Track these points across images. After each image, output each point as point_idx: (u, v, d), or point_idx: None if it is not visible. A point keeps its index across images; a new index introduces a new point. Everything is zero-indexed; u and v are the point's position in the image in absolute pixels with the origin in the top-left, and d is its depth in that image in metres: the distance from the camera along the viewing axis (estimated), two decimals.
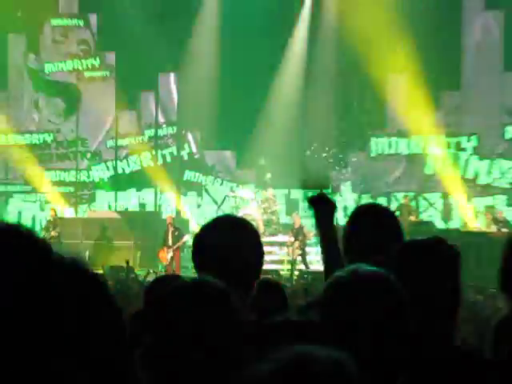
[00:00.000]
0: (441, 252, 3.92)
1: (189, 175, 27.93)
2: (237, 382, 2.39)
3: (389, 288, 3.06)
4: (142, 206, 27.83)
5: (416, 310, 3.32)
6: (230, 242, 4.02)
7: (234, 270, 3.94)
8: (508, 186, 26.72)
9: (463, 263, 3.99)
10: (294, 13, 27.82)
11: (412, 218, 24.45)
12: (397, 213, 23.73)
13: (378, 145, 27.50)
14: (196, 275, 3.92)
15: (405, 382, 2.98)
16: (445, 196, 26.99)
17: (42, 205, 27.94)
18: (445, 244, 3.97)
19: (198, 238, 4.12)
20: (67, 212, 27.01)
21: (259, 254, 4.12)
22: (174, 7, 25.96)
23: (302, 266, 22.43)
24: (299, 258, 22.81)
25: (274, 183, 25.57)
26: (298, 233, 22.94)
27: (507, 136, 26.78)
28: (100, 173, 28.21)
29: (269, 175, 25.44)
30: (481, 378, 3.66)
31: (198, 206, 27.64)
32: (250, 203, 25.27)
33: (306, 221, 22.67)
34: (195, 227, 25.43)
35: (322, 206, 4.81)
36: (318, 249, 17.09)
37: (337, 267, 3.95)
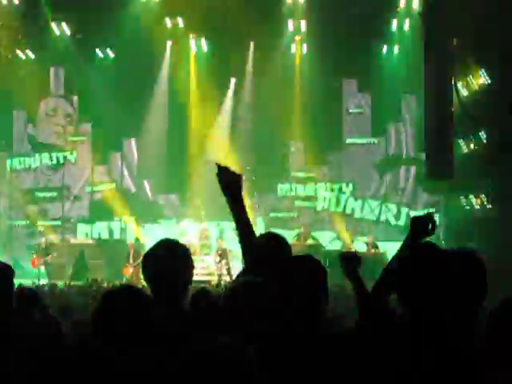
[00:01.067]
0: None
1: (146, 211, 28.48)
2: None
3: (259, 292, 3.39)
4: (111, 234, 28.61)
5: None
6: (167, 263, 4.27)
7: (170, 283, 4.24)
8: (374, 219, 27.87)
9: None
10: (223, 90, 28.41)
11: (308, 242, 25.09)
12: (295, 238, 26.31)
13: (283, 189, 28.60)
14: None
15: None
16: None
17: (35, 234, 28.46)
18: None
19: (145, 258, 4.42)
20: (55, 239, 27.35)
21: (187, 266, 4.37)
22: (135, 89, 26.75)
23: (227, 278, 22.82)
24: (225, 272, 23.67)
25: (207, 217, 26.45)
26: (223, 253, 24.04)
27: (373, 184, 28.17)
28: (80, 210, 29.18)
29: (203, 212, 26.53)
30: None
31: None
32: (188, 232, 26.22)
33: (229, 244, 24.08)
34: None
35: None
36: (240, 264, 19.36)
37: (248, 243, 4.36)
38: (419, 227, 4.34)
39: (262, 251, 4.57)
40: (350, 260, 4.50)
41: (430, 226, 4.34)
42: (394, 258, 4.35)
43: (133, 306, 3.47)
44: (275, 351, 3.37)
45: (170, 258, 4.32)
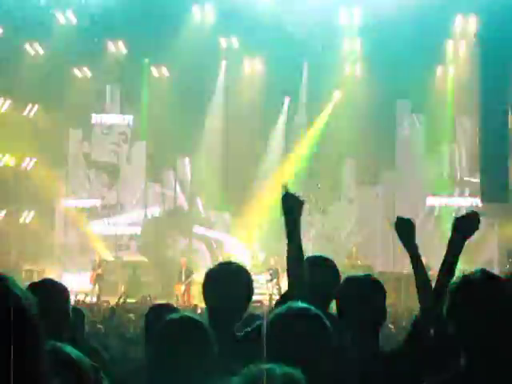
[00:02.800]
0: None
1: (197, 229, 28.86)
2: None
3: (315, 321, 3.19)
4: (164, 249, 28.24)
5: None
6: (227, 290, 4.24)
7: (230, 307, 4.24)
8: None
9: None
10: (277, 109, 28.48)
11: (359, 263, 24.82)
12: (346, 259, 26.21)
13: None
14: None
15: None
16: None
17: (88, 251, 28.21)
18: None
19: (207, 281, 4.38)
20: (108, 256, 27.60)
21: (248, 295, 4.38)
22: (190, 107, 26.89)
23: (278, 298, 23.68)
24: (275, 291, 23.46)
25: (258, 237, 26.76)
26: (274, 272, 24.13)
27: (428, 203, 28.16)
28: (133, 227, 29.12)
29: (255, 231, 26.92)
30: None
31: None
32: (240, 251, 26.54)
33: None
34: (202, 268, 26.18)
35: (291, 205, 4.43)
36: None
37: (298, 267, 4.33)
38: (463, 225, 4.29)
39: (315, 276, 4.52)
40: (404, 225, 4.45)
41: (474, 222, 4.30)
42: (443, 264, 4.24)
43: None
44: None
45: (233, 285, 4.33)
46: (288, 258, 4.43)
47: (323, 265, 5.06)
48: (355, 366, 3.80)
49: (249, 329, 4.44)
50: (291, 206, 4.42)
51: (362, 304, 4.11)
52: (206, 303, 4.41)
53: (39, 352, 1.79)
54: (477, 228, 4.31)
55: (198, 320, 3.55)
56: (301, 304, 3.32)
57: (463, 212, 4.45)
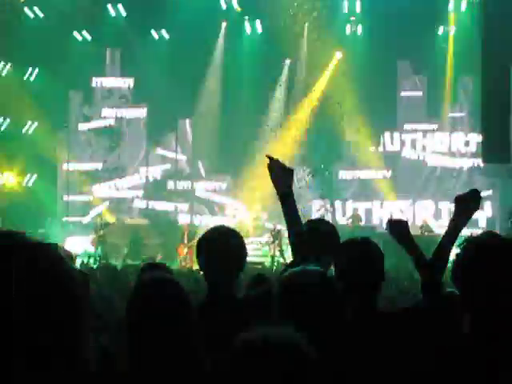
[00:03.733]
0: None
1: (200, 192, 29.12)
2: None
3: (322, 283, 3.22)
4: (166, 214, 28.59)
5: None
6: (220, 252, 4.26)
7: (223, 270, 4.27)
8: None
9: None
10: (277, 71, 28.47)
11: (361, 224, 25.47)
12: (349, 219, 26.46)
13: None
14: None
15: None
16: None
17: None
18: None
19: (199, 245, 4.43)
20: (111, 219, 27.68)
21: (243, 255, 4.40)
22: (190, 70, 26.64)
23: (281, 259, 23.16)
24: (278, 253, 23.67)
25: (260, 199, 26.21)
26: (276, 234, 23.88)
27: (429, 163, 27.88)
28: (135, 190, 29.35)
29: (257, 193, 26.31)
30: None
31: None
32: (243, 213, 26.69)
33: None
34: (203, 230, 27.32)
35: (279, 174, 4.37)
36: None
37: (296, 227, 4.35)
38: (464, 204, 4.29)
39: (313, 238, 4.61)
40: (397, 224, 4.41)
41: (475, 202, 4.30)
42: (445, 237, 4.28)
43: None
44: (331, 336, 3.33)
45: (224, 247, 4.34)
46: (289, 231, 4.45)
47: (323, 228, 5.06)
48: (355, 327, 3.84)
49: (252, 293, 4.61)
50: (278, 175, 4.42)
51: (361, 266, 4.09)
52: (200, 267, 4.47)
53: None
54: (477, 207, 4.30)
55: (172, 279, 3.49)
56: (312, 267, 3.34)
57: (464, 191, 4.38)
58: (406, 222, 4.46)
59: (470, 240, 3.42)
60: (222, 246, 4.36)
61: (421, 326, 4.03)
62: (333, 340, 3.21)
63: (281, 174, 4.42)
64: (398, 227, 4.41)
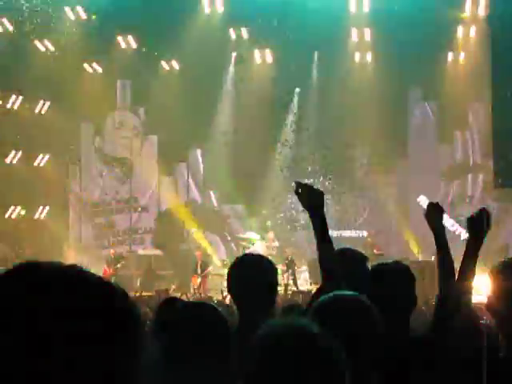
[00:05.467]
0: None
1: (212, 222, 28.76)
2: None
3: (364, 310, 3.11)
4: (179, 245, 28.02)
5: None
6: (255, 277, 4.20)
7: (259, 296, 4.20)
8: None
9: None
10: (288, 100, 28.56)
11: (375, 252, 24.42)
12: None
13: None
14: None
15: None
16: None
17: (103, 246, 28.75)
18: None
19: (232, 267, 4.35)
20: (123, 251, 27.80)
21: (275, 283, 4.36)
22: (201, 100, 26.88)
23: (294, 288, 23.11)
24: (291, 282, 23.65)
25: (272, 227, 26.73)
26: (290, 263, 23.96)
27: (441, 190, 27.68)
28: (148, 221, 29.46)
29: (269, 222, 27.09)
30: None
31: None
32: (256, 243, 26.01)
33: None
34: (216, 260, 26.74)
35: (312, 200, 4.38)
36: (306, 274, 19.47)
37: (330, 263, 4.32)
38: (476, 225, 4.28)
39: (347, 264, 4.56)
40: (435, 209, 4.46)
41: (486, 221, 4.27)
42: (465, 259, 4.26)
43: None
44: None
45: (261, 274, 4.34)
46: (320, 253, 4.40)
47: (354, 256, 5.07)
48: (393, 352, 3.76)
49: None
50: (310, 199, 4.41)
51: (394, 291, 4.12)
52: (230, 291, 4.45)
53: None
54: (489, 226, 4.28)
55: (213, 305, 3.56)
56: (349, 292, 3.27)
57: (474, 211, 4.37)
58: (442, 209, 4.49)
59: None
60: (257, 272, 4.33)
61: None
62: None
63: (312, 198, 4.40)
64: (433, 211, 4.46)
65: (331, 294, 3.23)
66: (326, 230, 4.40)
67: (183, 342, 3.33)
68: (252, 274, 4.31)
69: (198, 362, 3.26)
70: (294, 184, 4.45)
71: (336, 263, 4.36)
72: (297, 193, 4.41)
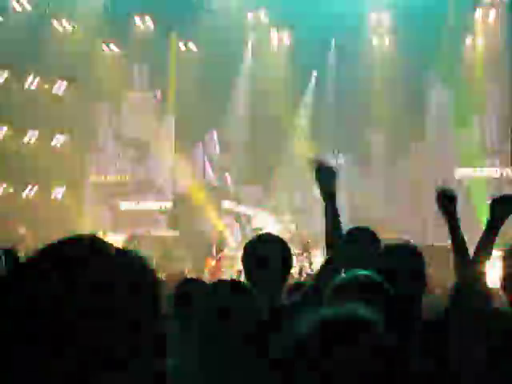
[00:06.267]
0: None
1: (226, 204, 28.83)
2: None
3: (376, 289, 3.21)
4: (194, 226, 27.92)
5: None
6: (270, 252, 4.27)
7: (275, 274, 4.27)
8: None
9: None
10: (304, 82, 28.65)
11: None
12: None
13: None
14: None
15: None
16: None
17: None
18: None
19: (249, 245, 4.44)
20: (139, 231, 27.41)
21: (290, 263, 4.43)
22: (218, 81, 26.91)
23: (308, 270, 22.84)
24: (306, 264, 23.52)
25: (289, 208, 27.00)
26: (306, 245, 23.93)
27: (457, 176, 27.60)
28: (164, 203, 29.32)
29: (285, 205, 27.06)
30: None
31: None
32: (271, 224, 25.78)
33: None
34: (232, 243, 26.72)
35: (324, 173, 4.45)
36: (321, 258, 19.37)
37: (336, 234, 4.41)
38: (500, 207, 4.33)
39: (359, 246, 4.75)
40: (448, 196, 4.45)
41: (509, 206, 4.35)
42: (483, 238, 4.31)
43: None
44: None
45: (275, 249, 4.43)
46: (327, 230, 4.54)
47: (364, 234, 5.14)
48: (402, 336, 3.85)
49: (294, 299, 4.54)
50: (326, 180, 4.52)
51: (405, 272, 4.15)
52: (245, 268, 4.50)
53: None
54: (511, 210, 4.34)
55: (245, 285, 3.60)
56: (364, 272, 3.33)
57: (499, 194, 4.45)
58: (454, 193, 4.50)
59: None
60: (271, 247, 4.41)
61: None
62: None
63: (325, 174, 4.52)
64: (444, 196, 4.45)
65: (345, 274, 3.34)
66: (336, 209, 4.49)
67: None
68: (267, 248, 4.40)
69: None
70: (313, 159, 4.60)
71: (339, 247, 4.45)
72: (315, 169, 4.52)
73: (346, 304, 1.95)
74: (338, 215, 4.52)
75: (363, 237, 5.15)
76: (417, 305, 4.19)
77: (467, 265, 4.25)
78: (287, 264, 4.53)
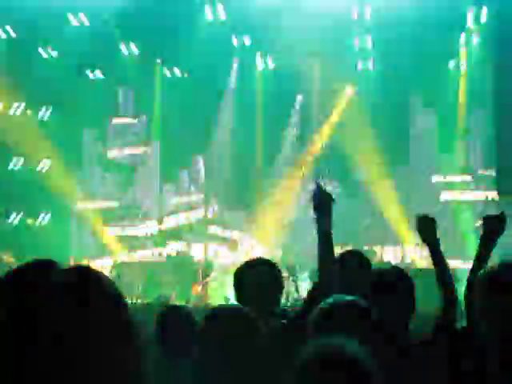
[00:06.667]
0: None
1: (213, 228, 28.65)
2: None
3: (361, 314, 3.22)
4: (180, 252, 27.64)
5: None
6: (264, 279, 4.43)
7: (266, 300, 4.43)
8: None
9: None
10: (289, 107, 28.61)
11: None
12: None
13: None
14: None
15: None
16: None
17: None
18: None
19: (239, 275, 4.59)
20: (123, 257, 27.65)
21: (282, 286, 4.62)
22: (202, 106, 26.91)
23: (295, 295, 22.43)
24: (293, 289, 22.54)
25: (274, 233, 26.76)
26: (291, 270, 22.60)
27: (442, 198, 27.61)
28: (150, 229, 29.17)
29: (270, 228, 26.82)
30: None
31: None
32: (257, 249, 26.23)
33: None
34: (217, 268, 25.93)
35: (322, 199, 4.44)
36: (307, 281, 19.39)
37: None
38: (491, 226, 4.45)
39: (347, 269, 4.81)
40: (424, 221, 4.55)
41: (501, 225, 4.47)
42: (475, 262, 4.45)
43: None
44: None
45: (270, 274, 4.61)
46: (320, 256, 4.53)
47: (356, 259, 5.08)
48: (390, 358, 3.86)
49: (284, 321, 4.54)
50: (322, 200, 4.49)
51: (393, 296, 4.20)
52: (238, 293, 4.63)
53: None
54: (503, 227, 4.50)
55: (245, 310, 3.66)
56: (347, 297, 3.39)
57: (490, 213, 4.64)
58: (434, 220, 4.54)
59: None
60: (261, 278, 4.57)
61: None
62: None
63: (324, 199, 4.50)
64: (425, 223, 4.53)
65: (331, 299, 3.35)
66: (329, 230, 4.49)
67: None
68: (262, 276, 4.52)
69: None
70: (313, 183, 4.47)
71: (331, 272, 4.46)
72: (313, 192, 4.50)
73: (333, 337, 2.03)
74: (331, 239, 4.48)
75: (355, 261, 5.23)
76: (404, 329, 4.26)
77: (450, 287, 4.37)
78: (279, 286, 4.72)
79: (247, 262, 4.77)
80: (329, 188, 4.57)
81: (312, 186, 4.68)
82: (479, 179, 27.83)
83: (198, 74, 27.03)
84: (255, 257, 4.93)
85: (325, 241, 4.49)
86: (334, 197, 4.56)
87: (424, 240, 4.49)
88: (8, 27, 26.75)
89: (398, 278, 4.41)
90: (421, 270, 21.58)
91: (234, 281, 4.65)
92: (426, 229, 4.46)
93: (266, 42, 26.98)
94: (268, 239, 26.84)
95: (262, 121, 28.00)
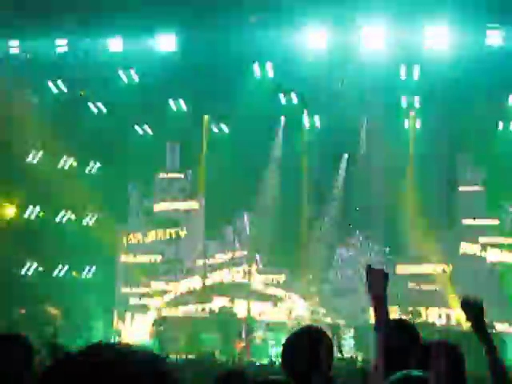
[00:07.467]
0: None
1: (257, 286, 28.58)
2: None
3: None
4: (224, 308, 27.50)
5: None
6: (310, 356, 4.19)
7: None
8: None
9: None
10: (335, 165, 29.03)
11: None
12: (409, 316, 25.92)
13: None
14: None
15: None
16: None
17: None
18: None
19: (289, 344, 4.40)
20: (168, 312, 27.63)
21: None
22: (249, 163, 27.08)
23: (338, 355, 21.50)
24: (336, 348, 22.01)
25: (317, 292, 27.00)
26: (335, 329, 23.01)
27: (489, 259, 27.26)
28: (193, 284, 29.20)
29: (313, 288, 27.09)
30: None
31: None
32: (300, 307, 26.37)
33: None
34: (262, 325, 25.89)
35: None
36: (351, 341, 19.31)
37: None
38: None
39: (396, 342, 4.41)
40: (473, 306, 4.32)
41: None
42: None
43: None
44: None
45: (313, 355, 4.31)
46: (376, 332, 4.20)
47: (402, 329, 4.94)
48: None
49: None
50: (376, 283, 4.26)
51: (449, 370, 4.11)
52: (286, 368, 4.40)
53: None
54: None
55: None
56: (417, 372, 3.31)
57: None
58: (482, 307, 4.31)
59: None
60: (310, 348, 4.34)
61: None
62: None
63: (378, 282, 4.26)
64: (474, 310, 4.30)
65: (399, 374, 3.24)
66: (386, 311, 4.20)
67: None
68: (310, 342, 4.32)
69: None
70: (365, 268, 4.31)
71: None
72: (367, 275, 4.26)
73: None
74: (388, 318, 4.24)
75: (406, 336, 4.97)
76: None
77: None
78: (331, 354, 4.46)
79: (297, 332, 4.59)
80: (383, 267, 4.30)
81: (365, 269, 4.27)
82: None
83: (246, 130, 26.98)
84: (306, 325, 4.89)
85: (380, 321, 4.28)
86: (386, 274, 4.28)
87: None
88: (59, 81, 27.09)
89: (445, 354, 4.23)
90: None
91: (284, 348, 4.47)
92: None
93: (313, 100, 27.02)
94: (311, 297, 26.73)
95: (308, 179, 28.28)
